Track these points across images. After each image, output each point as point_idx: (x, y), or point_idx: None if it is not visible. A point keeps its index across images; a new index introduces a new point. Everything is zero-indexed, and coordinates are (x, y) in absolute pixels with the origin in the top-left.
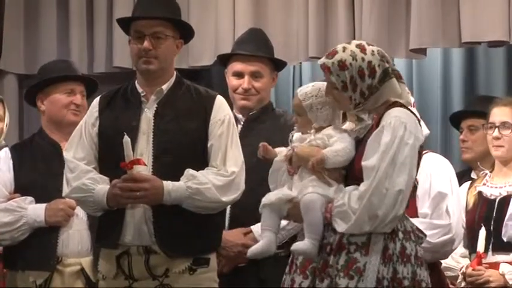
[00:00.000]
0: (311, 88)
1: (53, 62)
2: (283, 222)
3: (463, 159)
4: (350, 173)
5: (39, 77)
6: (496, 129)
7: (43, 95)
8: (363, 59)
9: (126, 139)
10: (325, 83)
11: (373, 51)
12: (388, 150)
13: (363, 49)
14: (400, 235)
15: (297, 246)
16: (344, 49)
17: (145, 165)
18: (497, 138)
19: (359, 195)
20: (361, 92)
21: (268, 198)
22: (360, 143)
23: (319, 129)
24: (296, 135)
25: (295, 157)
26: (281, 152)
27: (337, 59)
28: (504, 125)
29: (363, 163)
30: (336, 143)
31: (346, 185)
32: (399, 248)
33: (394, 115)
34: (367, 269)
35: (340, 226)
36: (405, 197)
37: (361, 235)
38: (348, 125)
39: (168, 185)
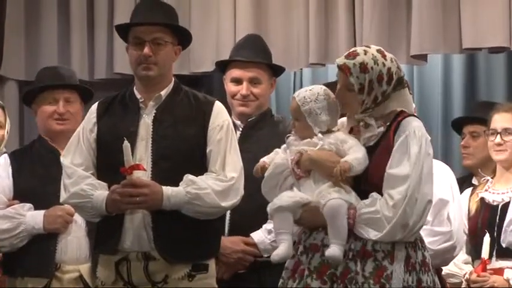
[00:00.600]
0: (309, 92)
1: (41, 70)
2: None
3: (464, 165)
4: (364, 179)
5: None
6: (498, 136)
7: (35, 105)
8: (383, 64)
9: (126, 144)
10: (322, 87)
11: (392, 58)
12: (418, 160)
13: (383, 55)
14: (419, 244)
15: (331, 253)
16: (365, 52)
17: (145, 170)
18: (499, 145)
19: (394, 203)
20: (375, 97)
21: (282, 200)
22: (373, 150)
23: (326, 133)
24: (292, 138)
25: (308, 161)
26: (277, 155)
27: (359, 61)
28: (506, 131)
29: (391, 171)
30: (352, 150)
31: (360, 190)
32: (421, 257)
33: (415, 125)
34: (393, 277)
35: (372, 233)
36: (430, 207)
37: (386, 243)
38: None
39: (167, 190)
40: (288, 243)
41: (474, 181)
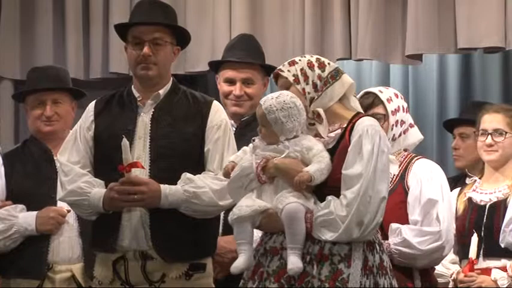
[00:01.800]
0: (275, 101)
1: (30, 70)
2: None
3: (456, 166)
4: (324, 183)
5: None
6: (489, 136)
7: (26, 105)
8: (311, 56)
9: (125, 142)
10: (289, 93)
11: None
12: (370, 158)
13: (311, 55)
14: (377, 247)
15: (293, 267)
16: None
17: (144, 168)
18: (490, 145)
19: (347, 203)
20: (313, 83)
21: (241, 210)
22: (331, 153)
23: (292, 139)
24: (258, 141)
25: (273, 169)
26: (244, 157)
27: (288, 61)
28: (497, 131)
29: (345, 172)
30: (316, 158)
31: (321, 193)
32: (378, 260)
33: (368, 124)
34: (350, 280)
35: (327, 235)
36: (385, 204)
37: (344, 245)
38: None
39: (165, 188)
40: (248, 254)
41: (468, 181)
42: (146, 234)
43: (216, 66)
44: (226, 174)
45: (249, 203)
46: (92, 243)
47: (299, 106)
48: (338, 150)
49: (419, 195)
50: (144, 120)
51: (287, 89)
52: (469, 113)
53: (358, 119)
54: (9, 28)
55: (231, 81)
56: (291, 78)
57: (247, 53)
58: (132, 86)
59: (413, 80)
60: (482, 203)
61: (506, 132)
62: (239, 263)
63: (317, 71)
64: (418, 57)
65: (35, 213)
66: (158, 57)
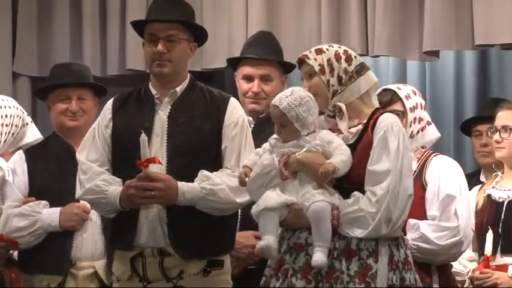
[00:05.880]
0: (291, 98)
1: (55, 66)
2: None
3: (484, 162)
4: (346, 178)
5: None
6: (498, 133)
7: (49, 101)
8: (339, 47)
9: (143, 137)
10: (300, 88)
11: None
12: (397, 155)
13: (339, 46)
14: (401, 242)
15: (317, 262)
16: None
17: (161, 163)
18: (498, 142)
19: (376, 199)
20: (339, 76)
21: (268, 202)
22: (353, 148)
23: (310, 133)
24: (275, 140)
25: (296, 163)
26: (264, 156)
27: (314, 48)
28: (504, 128)
29: (372, 168)
30: (337, 151)
31: (342, 189)
32: (403, 255)
33: (392, 120)
34: (378, 275)
35: (356, 231)
36: (411, 201)
37: (370, 241)
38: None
39: (182, 185)
40: (273, 241)
41: (482, 178)
42: (164, 232)
43: (234, 63)
44: (242, 183)
45: (275, 196)
46: (110, 241)
47: (313, 98)
48: (360, 146)
49: (438, 191)
50: (161, 117)
51: (311, 76)
52: (486, 110)
53: (379, 115)
54: (26, 25)
55: (249, 78)
56: (317, 68)
57: (265, 49)
58: (150, 84)
59: (430, 76)
60: (500, 200)
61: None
62: (263, 242)
63: (343, 64)
64: (435, 53)
65: (58, 209)
66: (173, 54)
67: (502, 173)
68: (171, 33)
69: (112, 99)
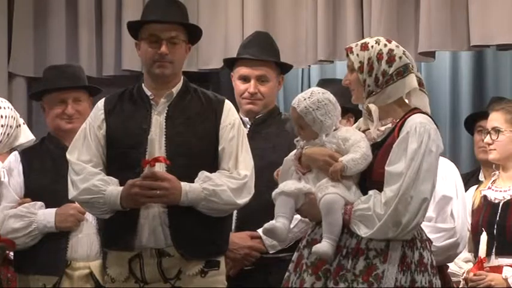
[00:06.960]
0: (309, 101)
1: (48, 68)
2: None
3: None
4: (368, 176)
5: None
6: (488, 135)
7: (44, 104)
8: (385, 45)
9: (152, 137)
10: (320, 90)
11: (398, 45)
12: (415, 157)
13: (389, 40)
14: (418, 243)
15: (318, 248)
16: (372, 37)
17: (167, 162)
18: (489, 144)
19: (385, 201)
20: (376, 77)
21: (286, 186)
22: (378, 147)
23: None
24: (300, 141)
25: (303, 157)
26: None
27: (362, 41)
28: (494, 130)
29: (388, 168)
30: (352, 149)
31: (364, 187)
32: (417, 256)
33: (418, 121)
34: (385, 276)
35: (362, 230)
36: (428, 205)
37: (380, 241)
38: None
39: (185, 186)
40: (283, 224)
41: (481, 177)
42: (164, 232)
43: (230, 63)
44: (276, 180)
45: (294, 182)
46: (105, 243)
47: (333, 100)
48: (385, 145)
49: (434, 192)
50: (158, 119)
51: (352, 71)
52: (492, 107)
53: (410, 115)
54: (22, 25)
55: (245, 79)
56: (357, 65)
57: (262, 50)
58: (143, 84)
59: (426, 77)
60: (496, 201)
61: (500, 130)
62: (270, 223)
63: (383, 65)
64: (430, 54)
65: (54, 210)
66: (174, 56)
67: (499, 173)
68: (173, 34)
69: (103, 99)
